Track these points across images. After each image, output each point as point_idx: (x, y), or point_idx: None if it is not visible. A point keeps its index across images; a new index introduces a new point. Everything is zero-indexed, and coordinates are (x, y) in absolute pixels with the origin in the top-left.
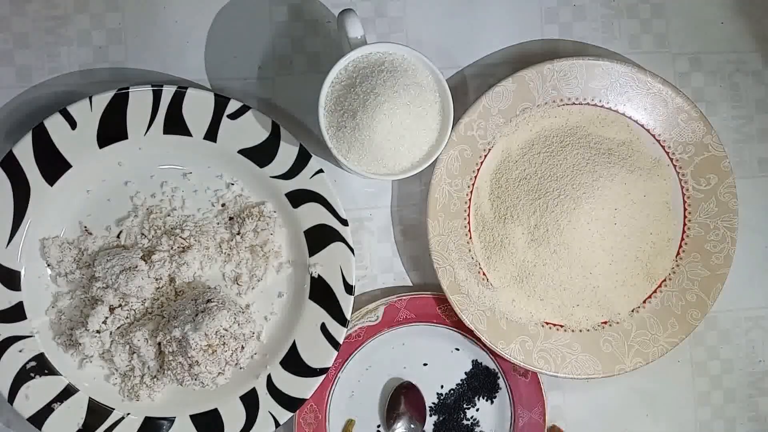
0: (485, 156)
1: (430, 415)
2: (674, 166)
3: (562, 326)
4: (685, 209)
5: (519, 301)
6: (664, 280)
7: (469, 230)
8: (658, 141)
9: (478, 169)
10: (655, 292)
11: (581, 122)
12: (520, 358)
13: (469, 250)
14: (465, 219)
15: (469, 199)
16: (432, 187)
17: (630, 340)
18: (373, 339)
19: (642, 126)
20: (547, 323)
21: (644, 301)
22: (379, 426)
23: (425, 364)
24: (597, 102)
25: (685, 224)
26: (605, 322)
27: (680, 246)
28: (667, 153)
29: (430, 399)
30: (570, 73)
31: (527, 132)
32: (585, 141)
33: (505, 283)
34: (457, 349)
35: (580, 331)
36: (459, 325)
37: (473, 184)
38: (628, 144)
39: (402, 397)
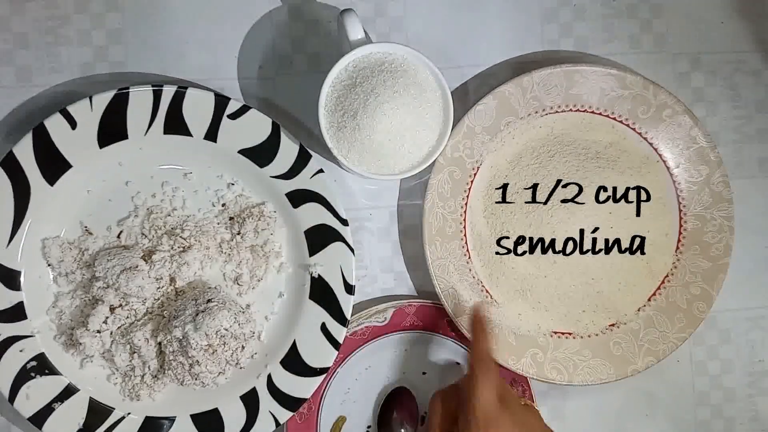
0: (475, 174)
1: (421, 424)
2: (663, 161)
3: (570, 334)
4: (679, 203)
5: (525, 314)
6: (667, 275)
7: (467, 250)
8: (645, 138)
9: (470, 189)
10: (658, 288)
11: (566, 129)
12: (533, 371)
13: (470, 270)
14: (462, 240)
15: (464, 219)
16: (425, 212)
17: (639, 339)
18: (377, 340)
19: (627, 126)
20: (556, 332)
21: (649, 299)
22: (369, 427)
23: (424, 373)
24: (580, 107)
25: (681, 218)
26: (613, 325)
27: (679, 240)
28: (656, 149)
29: (423, 408)
30: (549, 82)
31: (514, 145)
32: (572, 147)
33: (509, 298)
34: (458, 364)
35: (589, 336)
36: (464, 340)
37: (466, 204)
38: (615, 145)
39: (396, 402)
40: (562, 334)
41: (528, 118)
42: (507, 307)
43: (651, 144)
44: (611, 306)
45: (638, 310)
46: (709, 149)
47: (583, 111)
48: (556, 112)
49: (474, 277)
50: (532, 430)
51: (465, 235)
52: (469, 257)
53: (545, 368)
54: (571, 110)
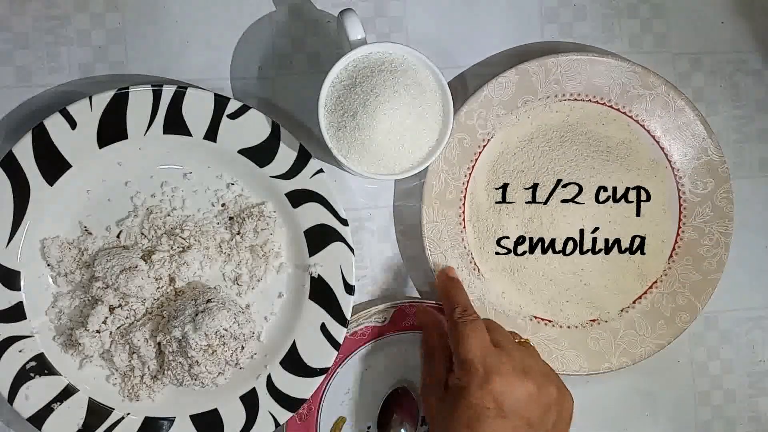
0: (484, 146)
1: (421, 425)
2: (672, 168)
3: (550, 321)
4: (680, 212)
5: (509, 294)
6: (655, 281)
7: (464, 220)
8: (658, 142)
9: (476, 159)
10: (645, 293)
11: (582, 119)
12: None
13: (462, 240)
14: (460, 208)
15: (465, 189)
16: (429, 173)
17: (618, 339)
18: (377, 340)
19: (642, 126)
20: (536, 317)
21: (634, 302)
22: (369, 427)
23: None
24: (599, 99)
25: (679, 227)
26: (594, 320)
27: (673, 248)
28: (666, 155)
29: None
30: (573, 68)
31: (527, 125)
32: (584, 138)
33: (496, 274)
34: None
35: (569, 327)
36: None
37: (470, 174)
38: (627, 143)
39: (396, 402)
40: (542, 320)
41: (546, 100)
42: (492, 282)
43: (662, 148)
44: (596, 301)
45: (621, 311)
46: (719, 163)
47: (602, 104)
48: (575, 99)
49: (465, 248)
50: (533, 371)
51: (464, 204)
52: (464, 227)
53: None
54: (590, 101)
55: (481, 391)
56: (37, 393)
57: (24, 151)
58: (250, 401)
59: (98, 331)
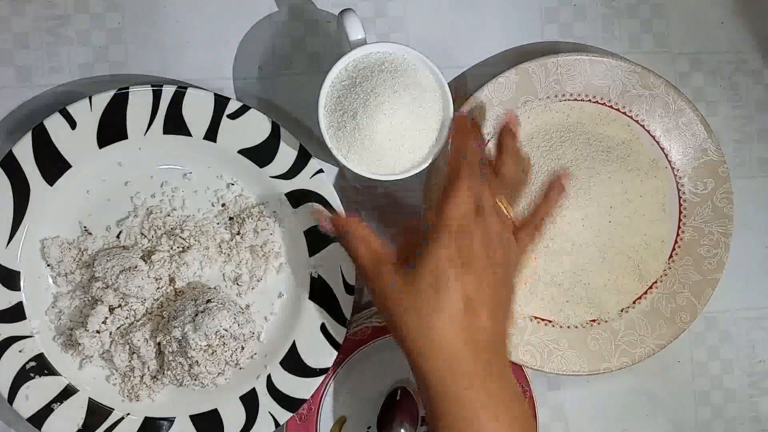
0: (484, 146)
1: (421, 425)
2: (672, 168)
3: (550, 322)
4: (680, 212)
5: None
6: (655, 281)
7: None
8: (658, 143)
9: None
10: (645, 293)
11: (582, 119)
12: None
13: None
14: None
15: None
16: (429, 173)
17: (617, 339)
18: (377, 340)
19: (642, 126)
20: (536, 317)
21: (634, 302)
22: (369, 428)
23: None
24: (599, 99)
25: (679, 227)
26: (594, 320)
27: (673, 249)
28: (666, 155)
29: (424, 410)
30: (573, 68)
31: (527, 125)
32: (584, 138)
33: None
34: None
35: (569, 327)
36: None
37: None
38: (627, 143)
39: (396, 402)
40: (542, 320)
41: (546, 100)
42: None
43: (662, 149)
44: (596, 301)
45: (621, 311)
46: (719, 164)
47: (602, 104)
48: (575, 99)
49: None
50: (493, 244)
51: None
52: None
53: (519, 350)
54: (590, 101)
55: (447, 250)
56: (37, 393)
57: (24, 151)
58: (250, 401)
59: (98, 331)
